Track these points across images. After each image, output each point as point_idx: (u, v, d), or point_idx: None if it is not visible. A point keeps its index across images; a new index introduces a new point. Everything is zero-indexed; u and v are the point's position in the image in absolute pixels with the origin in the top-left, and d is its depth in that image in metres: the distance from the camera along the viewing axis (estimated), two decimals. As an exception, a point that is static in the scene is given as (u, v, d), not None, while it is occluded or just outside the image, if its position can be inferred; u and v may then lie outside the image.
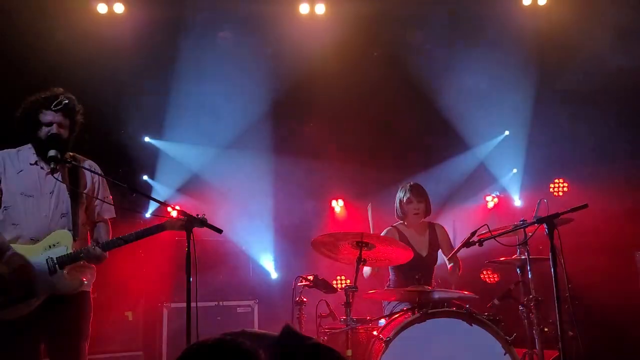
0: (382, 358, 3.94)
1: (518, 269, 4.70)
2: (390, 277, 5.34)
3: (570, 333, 4.47)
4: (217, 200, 7.21)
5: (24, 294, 3.58)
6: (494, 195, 8.09)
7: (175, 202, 7.14)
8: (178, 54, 7.04)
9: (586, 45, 6.85)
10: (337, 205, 8.08)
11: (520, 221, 4.39)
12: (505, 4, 7.18)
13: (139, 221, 6.36)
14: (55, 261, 3.66)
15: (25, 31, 6.59)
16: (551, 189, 8.06)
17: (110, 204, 4.06)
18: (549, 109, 7.61)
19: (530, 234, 4.37)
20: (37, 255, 3.65)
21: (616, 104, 7.35)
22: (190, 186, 7.50)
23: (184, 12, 6.97)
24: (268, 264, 7.46)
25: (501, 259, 4.79)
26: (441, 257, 5.37)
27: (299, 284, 4.71)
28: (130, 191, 3.62)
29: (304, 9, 7.00)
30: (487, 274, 7.71)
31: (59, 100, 3.75)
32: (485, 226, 4.12)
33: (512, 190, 8.10)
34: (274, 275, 7.45)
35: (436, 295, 4.37)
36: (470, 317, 4.06)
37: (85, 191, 3.89)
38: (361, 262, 4.37)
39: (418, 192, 5.30)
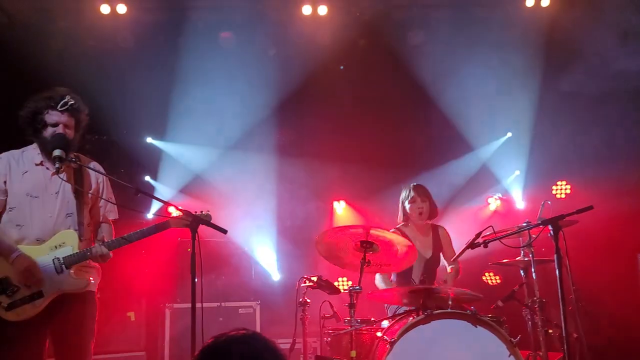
0: (387, 359, 3.93)
1: (522, 271, 4.69)
2: (391, 279, 5.32)
3: (575, 335, 4.47)
4: (220, 202, 7.21)
5: (31, 295, 3.58)
6: (496, 196, 8.09)
7: (177, 203, 7.13)
8: (180, 54, 7.05)
9: (589, 46, 6.84)
10: (339, 207, 8.08)
11: (525, 223, 4.38)
12: (508, 6, 7.19)
13: (141, 222, 6.35)
14: (62, 261, 3.66)
15: (28, 31, 6.60)
16: (554, 191, 8.06)
17: (114, 203, 4.06)
18: (552, 111, 7.60)
19: (534, 235, 4.36)
20: (44, 255, 3.65)
21: (620, 106, 7.34)
22: (193, 187, 7.49)
23: (187, 13, 6.97)
24: (270, 265, 7.45)
25: (504, 260, 4.78)
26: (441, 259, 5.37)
27: (302, 284, 4.70)
28: (136, 192, 3.59)
29: (306, 10, 7.00)
30: (489, 275, 7.70)
31: (65, 100, 3.75)
32: (490, 227, 4.11)
33: (514, 192, 8.09)
34: (276, 276, 7.44)
35: (441, 293, 4.33)
36: (474, 319, 4.04)
37: (90, 192, 3.89)
38: (365, 263, 4.34)
39: (421, 191, 5.29)
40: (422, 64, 7.28)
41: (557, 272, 3.63)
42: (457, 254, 4.44)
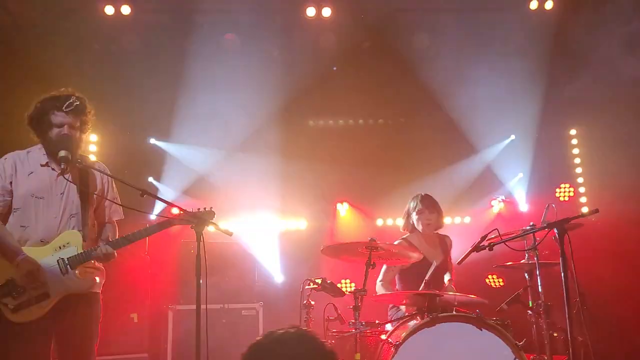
0: (391, 362, 3.91)
1: (526, 274, 4.68)
2: (396, 286, 5.31)
3: (580, 338, 4.45)
4: (223, 203, 7.19)
5: (37, 296, 3.57)
6: (500, 199, 8.06)
7: (180, 204, 7.10)
8: (184, 55, 7.04)
9: (594, 51, 6.82)
10: (343, 209, 8.06)
11: (530, 226, 4.37)
12: (512, 9, 7.19)
13: (144, 222, 6.33)
14: (67, 262, 3.65)
15: (32, 32, 6.60)
16: (557, 194, 8.04)
17: (119, 204, 4.06)
18: (556, 114, 7.59)
19: (539, 238, 4.35)
20: (48, 256, 3.65)
21: (624, 111, 7.32)
22: (196, 188, 7.47)
23: (191, 15, 6.97)
24: (273, 267, 7.44)
25: (508, 263, 4.77)
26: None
27: (306, 287, 4.69)
28: (141, 193, 3.59)
29: (310, 12, 7.00)
30: (492, 278, 7.68)
31: (70, 101, 3.75)
32: (495, 230, 4.09)
33: (518, 195, 8.08)
34: (279, 278, 7.43)
35: (447, 298, 4.33)
36: (480, 322, 4.03)
37: (95, 192, 3.88)
38: (370, 265, 4.34)
39: (430, 202, 5.26)
40: (427, 67, 7.26)
41: (562, 275, 3.62)
42: (462, 257, 4.43)
